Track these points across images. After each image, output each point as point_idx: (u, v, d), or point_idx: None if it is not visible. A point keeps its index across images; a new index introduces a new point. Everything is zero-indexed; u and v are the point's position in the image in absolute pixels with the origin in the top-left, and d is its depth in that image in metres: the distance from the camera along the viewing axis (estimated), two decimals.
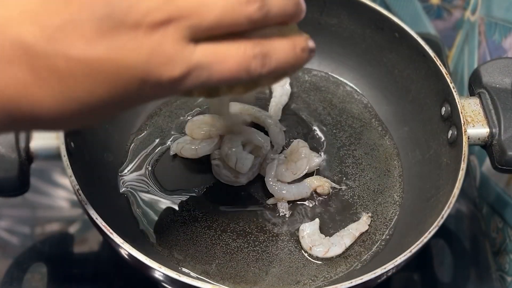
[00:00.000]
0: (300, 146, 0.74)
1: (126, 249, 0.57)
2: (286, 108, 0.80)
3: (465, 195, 0.85)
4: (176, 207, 0.71)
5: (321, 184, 0.73)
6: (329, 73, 0.85)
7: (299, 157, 0.73)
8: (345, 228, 0.70)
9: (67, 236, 0.78)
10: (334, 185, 0.73)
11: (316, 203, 0.72)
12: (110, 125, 0.74)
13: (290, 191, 0.71)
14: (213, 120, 0.75)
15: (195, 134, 0.74)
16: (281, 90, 0.81)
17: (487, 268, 0.79)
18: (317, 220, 0.70)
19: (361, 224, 0.71)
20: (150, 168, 0.74)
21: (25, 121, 0.39)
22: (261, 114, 0.77)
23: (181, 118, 0.79)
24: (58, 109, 0.39)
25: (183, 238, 0.69)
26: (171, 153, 0.75)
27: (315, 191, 0.72)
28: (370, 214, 0.72)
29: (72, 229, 0.78)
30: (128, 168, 0.74)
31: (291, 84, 0.82)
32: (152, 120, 0.78)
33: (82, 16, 0.38)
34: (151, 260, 0.56)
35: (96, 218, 0.58)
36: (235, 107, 0.77)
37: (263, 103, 0.80)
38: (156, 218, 0.70)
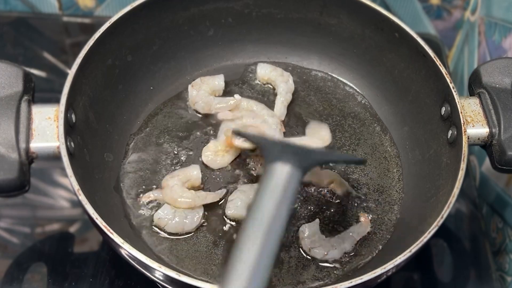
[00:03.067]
0: None
1: (126, 249, 0.57)
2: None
3: (465, 195, 0.85)
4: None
5: (335, 178, 0.72)
6: (329, 73, 0.85)
7: None
8: (347, 231, 0.70)
9: (67, 236, 0.77)
10: (350, 190, 0.73)
11: (317, 203, 0.72)
12: (110, 125, 0.74)
13: None
14: (193, 173, 0.70)
15: (177, 203, 0.68)
16: (285, 87, 0.80)
17: (487, 268, 0.79)
18: (317, 220, 0.70)
19: (362, 227, 0.71)
20: (150, 169, 0.74)
21: None
22: (263, 113, 0.76)
23: (182, 118, 0.79)
24: None
25: (183, 238, 0.69)
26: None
27: (328, 185, 0.73)
28: (369, 216, 0.72)
29: (72, 229, 0.78)
30: (128, 168, 0.74)
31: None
32: (152, 120, 0.78)
33: None
34: (151, 260, 0.56)
35: (96, 218, 0.58)
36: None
37: (268, 99, 0.81)
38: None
